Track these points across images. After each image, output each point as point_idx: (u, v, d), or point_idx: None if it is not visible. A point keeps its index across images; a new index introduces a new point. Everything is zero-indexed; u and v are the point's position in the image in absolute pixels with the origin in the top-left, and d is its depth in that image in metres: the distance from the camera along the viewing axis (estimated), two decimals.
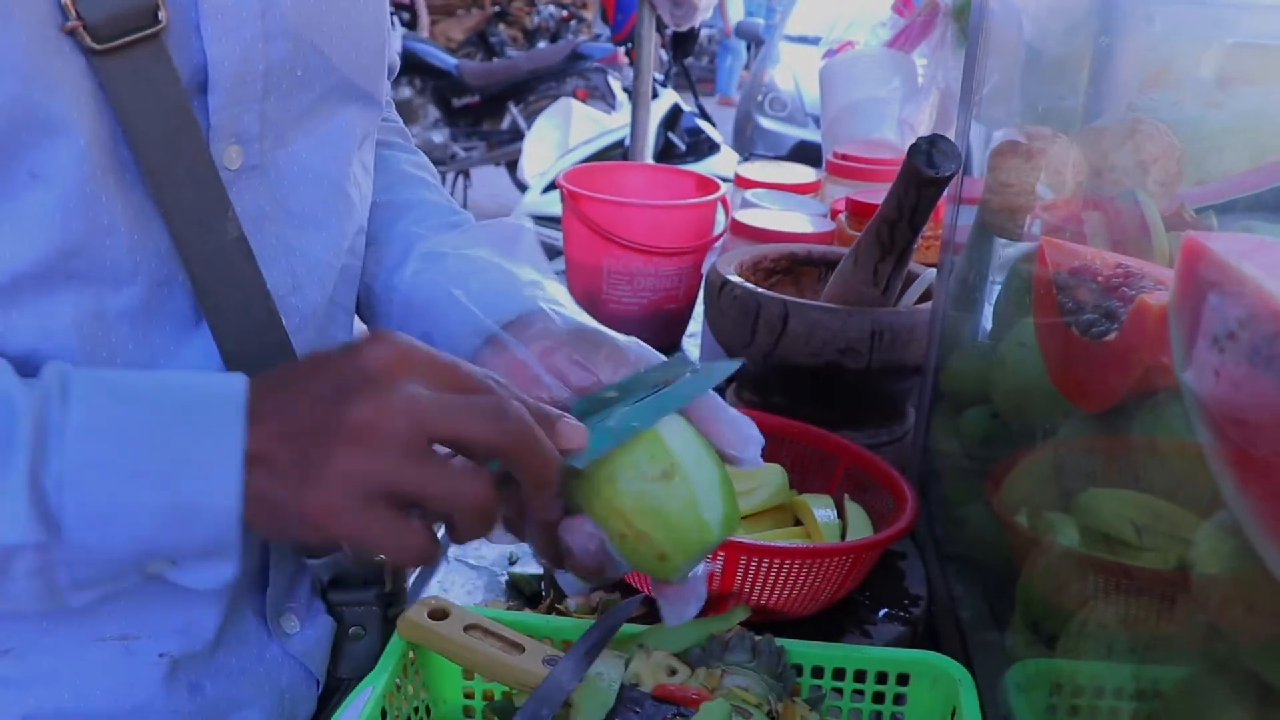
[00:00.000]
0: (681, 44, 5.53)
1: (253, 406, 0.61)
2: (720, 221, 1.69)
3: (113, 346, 0.70)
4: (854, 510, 1.03)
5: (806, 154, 4.69)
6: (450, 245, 0.91)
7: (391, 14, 1.12)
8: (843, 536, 1.01)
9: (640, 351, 0.78)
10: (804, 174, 1.94)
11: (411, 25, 8.15)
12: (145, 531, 0.60)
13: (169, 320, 0.73)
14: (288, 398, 0.62)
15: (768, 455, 1.09)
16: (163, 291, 0.72)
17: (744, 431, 0.74)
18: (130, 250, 0.69)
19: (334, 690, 0.90)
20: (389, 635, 0.83)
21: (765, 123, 6.97)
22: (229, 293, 0.74)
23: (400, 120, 1.07)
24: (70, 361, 0.67)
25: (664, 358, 0.78)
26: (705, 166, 4.79)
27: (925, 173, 1.04)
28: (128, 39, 0.64)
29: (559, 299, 0.85)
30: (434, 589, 1.06)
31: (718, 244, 1.66)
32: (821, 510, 1.02)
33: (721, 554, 0.87)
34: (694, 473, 0.68)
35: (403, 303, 0.90)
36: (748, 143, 6.93)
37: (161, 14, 0.65)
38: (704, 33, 10.03)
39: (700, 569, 0.73)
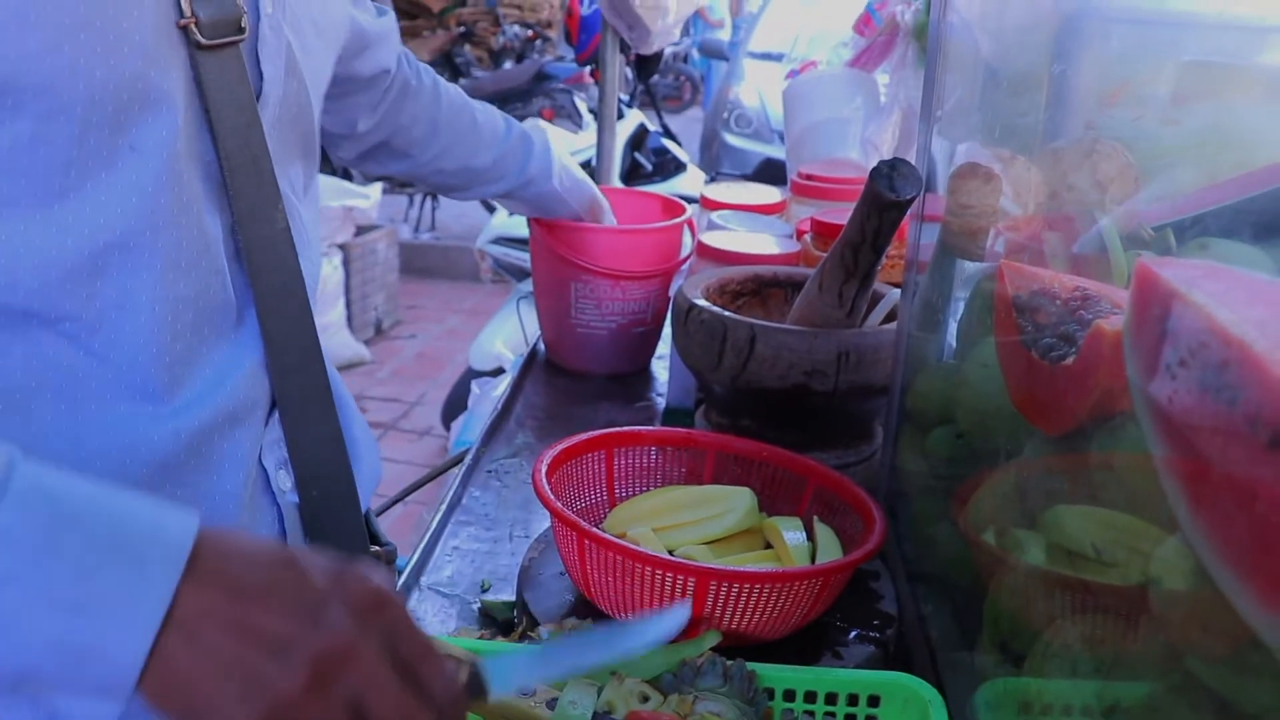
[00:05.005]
0: (645, 64, 5.53)
1: (195, 562, 0.57)
2: (687, 244, 1.70)
3: (175, 332, 0.77)
4: (823, 532, 1.04)
5: (772, 171, 4.70)
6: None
7: None
8: (813, 559, 1.01)
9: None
10: (769, 194, 1.96)
11: None
12: (33, 654, 0.55)
13: (217, 313, 0.81)
14: (238, 588, 0.58)
15: (737, 479, 1.10)
16: (216, 281, 0.80)
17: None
18: (201, 232, 0.78)
19: None
20: None
21: (731, 139, 7.00)
22: (274, 277, 0.84)
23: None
24: (137, 338, 0.75)
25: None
26: (671, 186, 4.79)
27: (887, 197, 1.05)
28: (223, 40, 0.77)
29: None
30: None
31: (685, 266, 1.67)
32: (791, 533, 1.02)
33: (692, 579, 0.87)
34: None
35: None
36: (714, 160, 6.96)
37: (244, 23, 0.78)
38: (668, 50, 10.05)
39: None
